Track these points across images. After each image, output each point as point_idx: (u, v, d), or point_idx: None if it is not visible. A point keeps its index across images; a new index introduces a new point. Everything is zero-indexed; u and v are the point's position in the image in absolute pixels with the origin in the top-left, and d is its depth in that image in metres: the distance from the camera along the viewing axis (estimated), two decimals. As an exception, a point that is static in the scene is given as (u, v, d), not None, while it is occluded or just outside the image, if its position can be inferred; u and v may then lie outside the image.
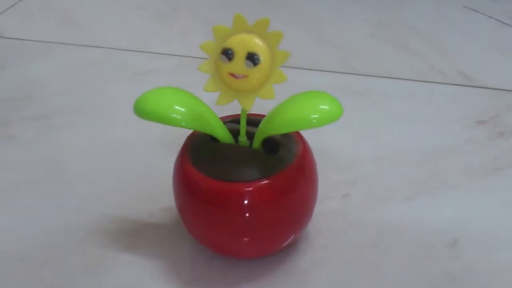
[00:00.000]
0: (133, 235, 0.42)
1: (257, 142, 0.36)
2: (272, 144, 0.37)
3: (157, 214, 0.43)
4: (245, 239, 0.36)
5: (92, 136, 0.51)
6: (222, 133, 0.37)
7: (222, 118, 0.39)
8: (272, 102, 0.34)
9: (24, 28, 0.70)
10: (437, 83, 0.56)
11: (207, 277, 0.38)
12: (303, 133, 0.38)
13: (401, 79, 0.57)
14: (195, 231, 0.38)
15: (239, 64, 0.32)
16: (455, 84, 0.56)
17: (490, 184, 0.44)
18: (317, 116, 0.33)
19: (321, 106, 0.33)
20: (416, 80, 0.57)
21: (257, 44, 0.32)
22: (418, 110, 0.53)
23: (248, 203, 0.35)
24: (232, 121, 0.39)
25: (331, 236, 0.40)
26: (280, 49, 0.32)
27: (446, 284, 0.37)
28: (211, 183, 0.35)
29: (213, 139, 0.37)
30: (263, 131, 0.35)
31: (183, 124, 0.36)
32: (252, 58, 0.32)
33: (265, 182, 0.34)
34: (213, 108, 0.36)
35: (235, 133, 0.37)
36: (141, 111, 0.35)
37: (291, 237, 0.37)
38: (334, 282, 0.37)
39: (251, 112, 0.37)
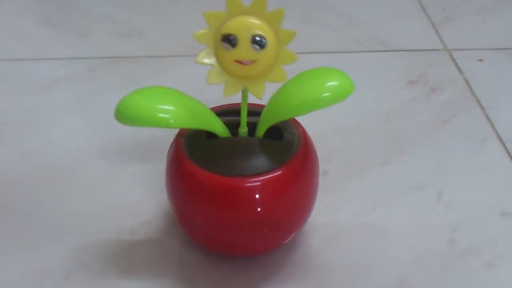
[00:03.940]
0: (122, 258, 0.37)
1: (261, 131, 0.34)
2: (272, 131, 0.35)
3: (138, 229, 0.39)
4: (262, 233, 0.35)
5: (27, 159, 0.45)
6: (221, 128, 0.34)
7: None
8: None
9: None
10: (358, 52, 0.58)
11: (221, 283, 0.36)
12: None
13: (326, 52, 0.58)
14: (204, 236, 0.36)
15: (245, 49, 0.30)
16: (375, 51, 0.58)
17: (445, 135, 0.47)
18: (328, 94, 0.32)
19: (330, 83, 0.32)
20: (339, 52, 0.58)
21: (260, 25, 0.30)
22: (353, 79, 0.54)
23: (270, 193, 0.33)
24: (217, 114, 0.36)
25: (329, 214, 0.40)
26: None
27: (451, 234, 0.39)
28: (229, 182, 0.32)
29: (208, 135, 0.35)
30: (271, 118, 0.34)
31: (179, 124, 0.33)
32: (258, 41, 0.30)
33: (285, 168, 0.33)
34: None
35: (228, 126, 0.35)
36: (128, 117, 0.32)
37: (306, 221, 0.37)
38: (352, 257, 0.37)
39: (237, 102, 0.36)
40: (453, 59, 0.56)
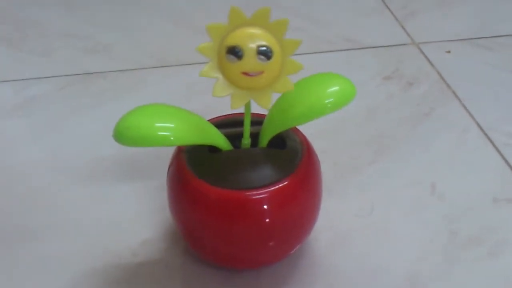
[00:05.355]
0: (126, 281, 0.36)
1: (265, 141, 0.34)
2: (274, 139, 0.35)
3: (140, 250, 0.38)
4: (271, 244, 0.34)
5: (8, 187, 0.42)
6: (222, 141, 0.34)
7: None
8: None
9: None
10: (330, 51, 0.59)
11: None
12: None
13: (297, 54, 0.58)
14: (212, 251, 0.35)
15: (251, 61, 0.30)
16: (346, 50, 0.59)
17: (427, 128, 0.48)
18: (332, 100, 0.32)
19: (332, 89, 0.32)
20: (311, 53, 0.58)
21: (265, 36, 0.30)
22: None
23: (278, 204, 0.33)
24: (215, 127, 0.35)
25: (329, 217, 0.40)
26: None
27: (451, 226, 0.40)
28: (238, 195, 0.32)
29: (210, 149, 0.34)
30: (274, 128, 0.33)
31: (183, 141, 0.32)
32: (264, 52, 0.30)
33: (292, 178, 0.33)
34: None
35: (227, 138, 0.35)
36: (130, 138, 0.31)
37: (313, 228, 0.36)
38: (360, 258, 0.38)
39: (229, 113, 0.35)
40: (422, 53, 0.57)
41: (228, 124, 0.36)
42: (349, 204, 0.41)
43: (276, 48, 0.30)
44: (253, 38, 0.30)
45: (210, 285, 0.36)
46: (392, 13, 0.64)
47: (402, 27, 0.62)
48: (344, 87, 0.32)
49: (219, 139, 0.33)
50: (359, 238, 0.39)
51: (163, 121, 0.31)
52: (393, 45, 0.59)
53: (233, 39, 0.30)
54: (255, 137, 0.34)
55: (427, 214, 0.41)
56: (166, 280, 0.36)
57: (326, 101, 0.32)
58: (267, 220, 0.33)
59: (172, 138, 0.31)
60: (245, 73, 0.30)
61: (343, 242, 0.39)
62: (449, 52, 0.57)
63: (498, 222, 0.40)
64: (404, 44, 0.59)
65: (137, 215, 0.40)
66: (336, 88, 0.32)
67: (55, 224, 0.40)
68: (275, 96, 0.33)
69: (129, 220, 0.40)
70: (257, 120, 0.35)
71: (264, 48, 0.30)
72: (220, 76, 0.31)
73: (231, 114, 0.36)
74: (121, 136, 0.30)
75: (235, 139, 0.34)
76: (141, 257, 0.37)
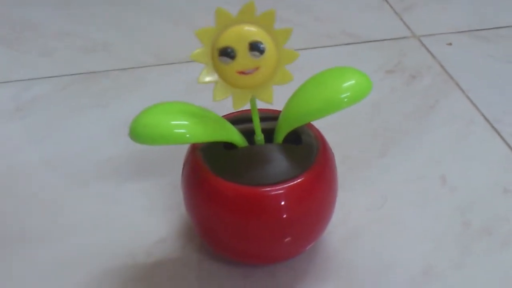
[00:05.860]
0: (145, 280, 0.36)
1: (280, 137, 0.34)
2: (288, 135, 0.34)
3: (154, 250, 0.38)
4: (288, 240, 0.34)
5: (13, 191, 0.42)
6: (238, 137, 0.34)
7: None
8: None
9: None
10: (331, 46, 0.58)
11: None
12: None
13: (298, 49, 0.58)
14: (230, 247, 0.35)
15: (244, 58, 0.30)
16: (347, 44, 0.59)
17: (433, 120, 0.48)
18: (348, 94, 0.32)
19: (348, 83, 0.32)
20: (312, 48, 0.58)
21: (255, 31, 0.30)
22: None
23: (296, 200, 0.33)
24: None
25: (342, 211, 0.40)
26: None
27: (463, 217, 0.40)
28: (255, 191, 0.32)
29: (225, 145, 0.34)
30: (290, 124, 0.33)
31: (200, 139, 0.32)
32: (257, 47, 0.29)
33: (309, 173, 0.33)
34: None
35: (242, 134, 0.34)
36: (147, 136, 0.30)
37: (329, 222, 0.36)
38: (374, 252, 0.38)
39: (245, 108, 0.35)
40: (423, 45, 0.57)
41: (242, 120, 0.35)
42: (361, 198, 0.41)
43: (268, 41, 0.30)
44: (242, 35, 0.29)
45: (226, 281, 0.36)
46: (390, 6, 0.64)
47: (402, 20, 0.62)
48: (360, 81, 0.32)
49: (234, 135, 0.33)
50: (372, 232, 0.39)
51: (179, 118, 0.31)
52: (394, 39, 0.59)
53: (224, 40, 0.29)
54: (270, 133, 0.34)
55: (439, 206, 0.41)
56: (182, 278, 0.36)
57: (343, 96, 0.31)
58: (284, 216, 0.33)
59: (188, 136, 0.31)
60: (241, 72, 0.30)
61: (357, 236, 0.39)
62: (450, 44, 0.58)
63: (509, 212, 0.40)
64: (405, 37, 0.59)
65: (151, 214, 0.40)
66: (352, 82, 0.32)
67: (65, 225, 0.39)
68: (286, 91, 0.33)
69: (144, 219, 0.40)
70: (272, 116, 0.35)
71: (255, 44, 0.29)
72: (217, 79, 0.30)
73: (245, 110, 0.36)
74: (137, 134, 0.30)
75: (250, 135, 0.34)
76: (156, 255, 0.37)
